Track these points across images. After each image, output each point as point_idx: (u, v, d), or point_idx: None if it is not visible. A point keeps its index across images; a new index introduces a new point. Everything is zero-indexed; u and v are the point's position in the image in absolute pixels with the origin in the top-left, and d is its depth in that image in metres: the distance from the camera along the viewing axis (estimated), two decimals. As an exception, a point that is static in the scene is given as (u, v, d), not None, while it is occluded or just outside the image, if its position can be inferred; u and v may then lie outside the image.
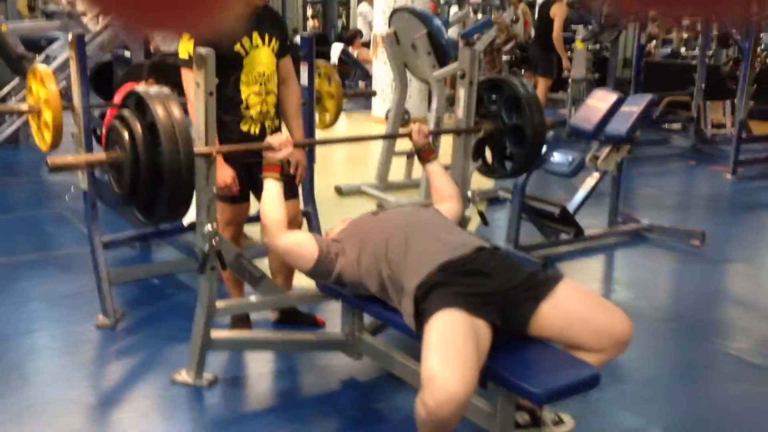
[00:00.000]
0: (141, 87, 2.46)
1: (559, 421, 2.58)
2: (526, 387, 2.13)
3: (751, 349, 3.38)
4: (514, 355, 2.26)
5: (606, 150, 4.56)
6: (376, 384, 2.97)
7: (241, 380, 2.99)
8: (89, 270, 3.89)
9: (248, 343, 2.96)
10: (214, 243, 2.61)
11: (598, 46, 9.84)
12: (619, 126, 4.46)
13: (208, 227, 2.59)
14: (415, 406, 2.04)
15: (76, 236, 4.67)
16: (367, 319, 2.99)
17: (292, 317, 3.33)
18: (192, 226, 3.82)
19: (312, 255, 2.58)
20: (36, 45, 7.34)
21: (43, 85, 3.24)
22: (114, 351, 3.23)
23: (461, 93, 3.20)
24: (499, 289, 2.28)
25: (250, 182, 3.08)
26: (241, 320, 3.24)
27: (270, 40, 3.04)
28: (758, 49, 7.00)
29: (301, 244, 2.63)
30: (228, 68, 2.88)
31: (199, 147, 2.49)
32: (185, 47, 2.87)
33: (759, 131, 7.42)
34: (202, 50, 2.52)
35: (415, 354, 2.92)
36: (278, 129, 3.14)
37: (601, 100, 4.58)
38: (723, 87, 8.03)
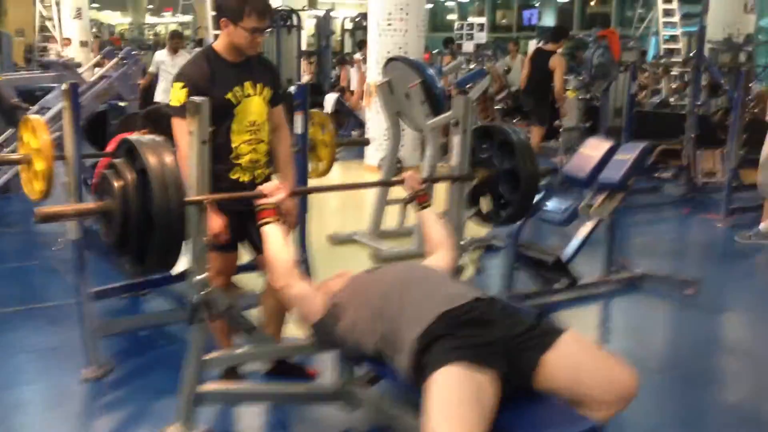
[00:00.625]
0: (133, 135, 2.44)
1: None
2: (525, 443, 2.08)
3: (749, 399, 3.33)
4: (513, 409, 2.19)
5: (600, 198, 4.55)
6: (371, 438, 2.89)
7: (232, 434, 2.91)
8: (77, 322, 3.84)
9: (239, 396, 2.88)
10: (204, 293, 2.56)
11: (588, 95, 9.96)
12: (613, 174, 4.46)
13: (199, 277, 2.55)
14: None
15: (64, 287, 4.56)
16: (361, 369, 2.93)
17: (283, 368, 3.26)
18: (182, 276, 3.79)
19: (320, 308, 2.54)
20: (31, 96, 7.37)
21: (35, 135, 3.22)
22: (101, 405, 3.15)
23: (455, 141, 3.20)
24: (502, 338, 2.23)
25: (240, 231, 3.04)
26: (232, 372, 3.17)
27: (262, 90, 3.03)
28: (747, 99, 7.06)
29: (312, 294, 2.59)
30: (219, 117, 2.85)
31: (191, 195, 2.46)
32: (177, 95, 2.86)
33: (750, 179, 7.42)
34: (197, 99, 2.51)
35: (413, 405, 2.86)
36: (269, 177, 3.12)
37: (594, 149, 4.59)
38: (713, 136, 8.08)
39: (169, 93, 2.99)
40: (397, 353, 2.36)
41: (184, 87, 2.85)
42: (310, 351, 2.98)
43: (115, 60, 6.36)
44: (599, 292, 4.73)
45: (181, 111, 2.75)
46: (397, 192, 5.80)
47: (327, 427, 2.95)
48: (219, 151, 2.88)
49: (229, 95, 2.92)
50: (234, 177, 2.99)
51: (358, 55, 12.54)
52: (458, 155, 3.20)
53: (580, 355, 2.26)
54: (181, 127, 2.77)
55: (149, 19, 34.78)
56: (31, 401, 3.12)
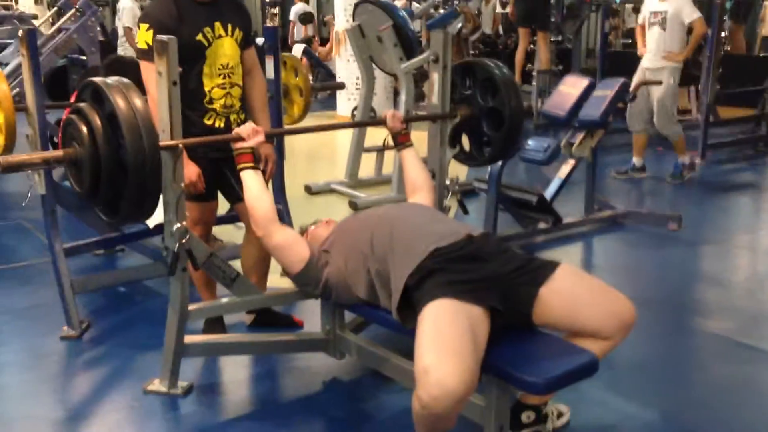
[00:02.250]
0: (97, 78, 2.30)
1: (560, 414, 2.49)
2: (523, 377, 2.02)
3: (736, 329, 3.33)
4: (508, 345, 2.14)
5: (580, 136, 4.49)
6: (360, 383, 2.84)
7: (218, 387, 2.84)
8: (51, 281, 3.69)
9: (224, 347, 2.81)
10: (184, 242, 2.46)
11: (560, 38, 9.85)
12: (593, 111, 4.39)
13: (177, 225, 2.44)
14: (411, 401, 1.93)
15: (36, 246, 4.46)
16: (348, 317, 2.87)
17: (268, 318, 3.19)
18: (158, 228, 3.67)
19: (304, 256, 2.47)
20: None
21: (-6, 85, 3.06)
22: (81, 363, 3.05)
23: (435, 78, 3.09)
24: (497, 274, 2.17)
25: (217, 179, 2.93)
26: (215, 324, 3.09)
27: (233, 30, 2.89)
28: (722, 34, 7.00)
29: (295, 243, 2.52)
30: (189, 60, 2.73)
31: (164, 140, 2.34)
32: (143, 37, 2.72)
33: (724, 116, 7.44)
34: (164, 37, 2.37)
35: (401, 350, 2.81)
36: (244, 123, 2.98)
37: (572, 86, 4.51)
38: (686, 73, 8.03)
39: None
40: (388, 291, 2.29)
41: (149, 28, 2.71)
42: (295, 299, 2.90)
43: (71, 11, 6.08)
44: (583, 231, 4.71)
45: (148, 54, 2.62)
46: (373, 139, 5.71)
47: (315, 375, 2.89)
48: (191, 97, 2.76)
49: (200, 36, 2.78)
50: (208, 123, 2.87)
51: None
52: (438, 93, 3.10)
53: (577, 287, 2.21)
54: (149, 71, 2.63)
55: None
56: (8, 362, 3.01)
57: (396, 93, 9.53)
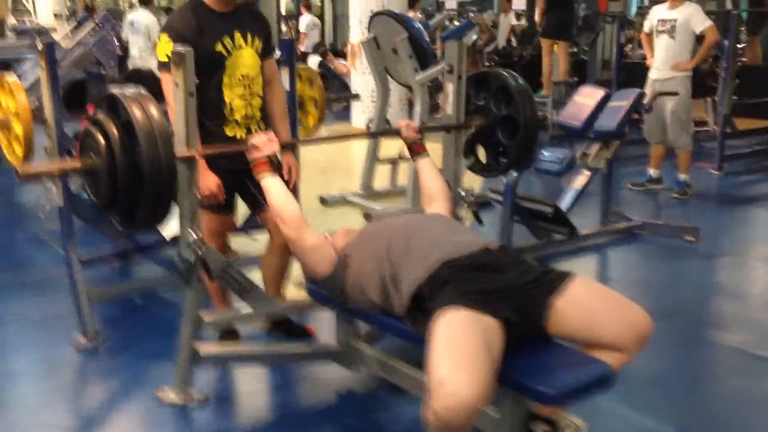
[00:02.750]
0: (115, 89, 2.32)
1: (576, 428, 2.46)
2: (537, 388, 2.00)
3: (753, 341, 3.29)
4: (523, 355, 2.12)
5: (596, 147, 4.47)
6: (374, 395, 2.83)
7: (231, 397, 2.84)
8: (66, 292, 3.73)
9: (238, 357, 2.81)
10: (199, 252, 2.46)
11: (575, 49, 9.85)
12: (609, 122, 4.38)
13: (193, 236, 2.45)
14: (422, 412, 1.91)
15: (52, 257, 4.48)
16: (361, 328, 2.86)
17: (284, 327, 3.18)
18: (175, 240, 3.69)
19: (332, 259, 2.46)
20: (6, 69, 7.15)
21: (13, 97, 3.09)
22: (95, 373, 3.07)
23: (449, 88, 3.10)
24: (512, 285, 2.15)
25: (235, 190, 2.94)
26: (230, 334, 3.09)
27: (253, 40, 2.89)
28: (737, 46, 6.96)
29: (324, 245, 2.51)
30: (209, 70, 2.74)
31: (181, 150, 2.35)
32: (163, 49, 2.73)
33: (743, 126, 7.39)
34: (180, 48, 2.39)
35: (415, 362, 2.80)
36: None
37: (588, 97, 4.50)
38: (703, 84, 7.99)
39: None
40: (400, 299, 2.28)
41: (170, 40, 2.70)
42: (311, 309, 2.90)
43: (91, 26, 6.14)
44: (599, 243, 4.68)
45: (168, 65, 2.62)
46: (388, 151, 5.72)
47: (329, 386, 2.89)
48: (211, 107, 2.77)
49: (219, 47, 2.78)
50: (229, 134, 2.86)
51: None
52: (453, 103, 3.10)
53: (592, 299, 2.19)
54: (168, 82, 2.65)
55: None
56: (24, 372, 3.02)
57: (410, 105, 9.55)
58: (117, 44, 6.86)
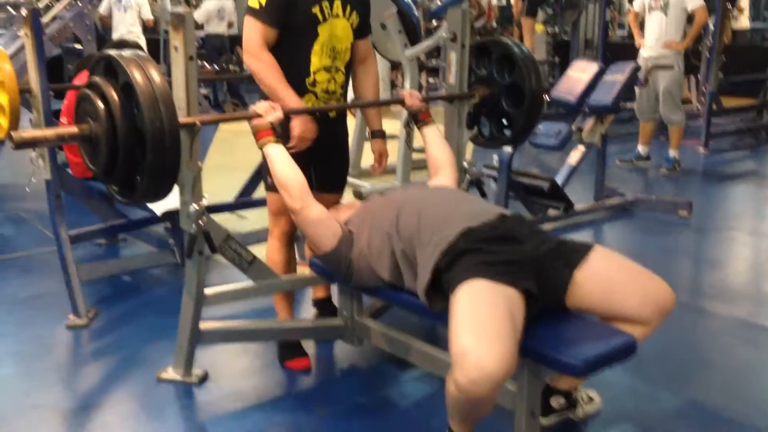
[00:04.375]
0: (112, 51, 2.20)
1: (590, 400, 2.42)
2: (561, 359, 1.95)
3: (756, 313, 3.28)
4: (543, 327, 2.06)
5: (590, 121, 4.43)
6: (379, 370, 2.76)
7: (233, 374, 2.74)
8: (52, 271, 3.62)
9: (240, 333, 2.71)
10: (201, 224, 2.36)
11: (557, 29, 9.79)
12: (604, 96, 4.34)
13: (194, 206, 2.35)
14: (445, 384, 1.85)
15: (35, 236, 4.36)
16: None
17: (329, 311, 3.05)
18: (167, 216, 3.59)
19: (337, 231, 2.38)
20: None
21: (-4, 66, 2.95)
22: (90, 352, 2.96)
23: (452, 57, 3.02)
24: (531, 256, 2.08)
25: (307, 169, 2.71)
26: (294, 348, 2.82)
27: (350, 13, 2.68)
28: (726, 21, 6.96)
29: (328, 217, 2.42)
30: (301, 32, 2.58)
31: (181, 118, 2.24)
32: None
33: (729, 103, 7.41)
34: (179, 10, 2.28)
35: (421, 335, 2.74)
36: (341, 115, 2.81)
37: (582, 71, 4.45)
38: (687, 63, 8.01)
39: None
40: (414, 272, 2.21)
41: None
42: (314, 283, 2.81)
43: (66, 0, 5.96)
44: (593, 219, 4.65)
45: (257, 12, 2.51)
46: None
47: (333, 362, 2.82)
48: (294, 73, 2.60)
49: (316, 9, 2.58)
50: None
51: None
52: (456, 72, 3.03)
53: (612, 271, 2.13)
54: (249, 28, 2.54)
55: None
56: (14, 352, 2.90)
57: (393, 85, 9.45)
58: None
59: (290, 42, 2.57)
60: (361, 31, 2.76)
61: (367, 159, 5.73)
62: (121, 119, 2.07)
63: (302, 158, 2.71)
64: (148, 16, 8.77)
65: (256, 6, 2.52)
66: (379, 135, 2.90)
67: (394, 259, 2.27)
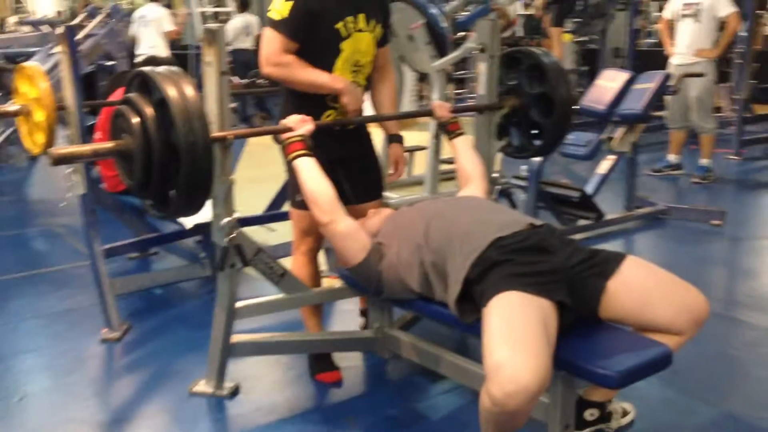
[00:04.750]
0: (146, 67, 2.24)
1: (624, 412, 2.38)
2: (596, 370, 1.92)
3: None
4: (576, 338, 2.04)
5: (621, 131, 4.39)
6: (411, 382, 2.75)
7: (265, 387, 2.75)
8: (85, 285, 3.67)
9: (272, 346, 2.72)
10: (233, 237, 2.38)
11: (586, 37, 9.74)
12: (634, 104, 4.30)
13: (226, 220, 2.37)
14: (479, 398, 1.83)
15: (68, 251, 4.43)
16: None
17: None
18: (197, 229, 3.62)
19: (366, 244, 2.37)
20: (14, 63, 7.08)
21: (33, 84, 3.01)
22: (123, 365, 2.99)
23: (481, 68, 3.01)
24: (563, 266, 2.07)
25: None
26: (324, 361, 2.82)
27: (375, 26, 2.63)
28: (758, 28, 6.88)
29: (358, 230, 2.40)
30: (323, 48, 2.54)
31: (213, 132, 2.26)
32: (280, 7, 2.48)
33: (761, 110, 7.32)
34: (212, 26, 2.30)
35: (452, 347, 2.73)
36: (360, 127, 2.76)
37: (611, 80, 4.42)
38: (718, 71, 7.92)
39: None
40: (444, 283, 2.20)
41: (292, 2, 2.47)
42: (346, 296, 2.82)
43: (100, 17, 6.07)
44: (625, 228, 4.60)
45: (277, 24, 2.48)
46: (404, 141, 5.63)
47: (364, 374, 2.82)
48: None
49: (339, 24, 2.52)
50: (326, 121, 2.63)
51: None
52: (485, 83, 3.02)
53: (646, 280, 2.10)
54: (268, 39, 2.51)
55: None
56: (49, 366, 2.95)
57: (420, 96, 9.46)
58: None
59: (312, 57, 2.52)
60: (383, 40, 2.73)
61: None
62: (156, 134, 2.10)
63: (333, 175, 2.72)
64: (169, 27, 8.74)
65: (277, 18, 2.48)
66: (396, 140, 2.86)
67: (423, 270, 2.27)
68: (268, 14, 2.53)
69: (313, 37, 2.48)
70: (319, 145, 2.50)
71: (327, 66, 2.56)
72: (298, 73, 2.53)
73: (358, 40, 2.58)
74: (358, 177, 2.76)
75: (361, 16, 2.57)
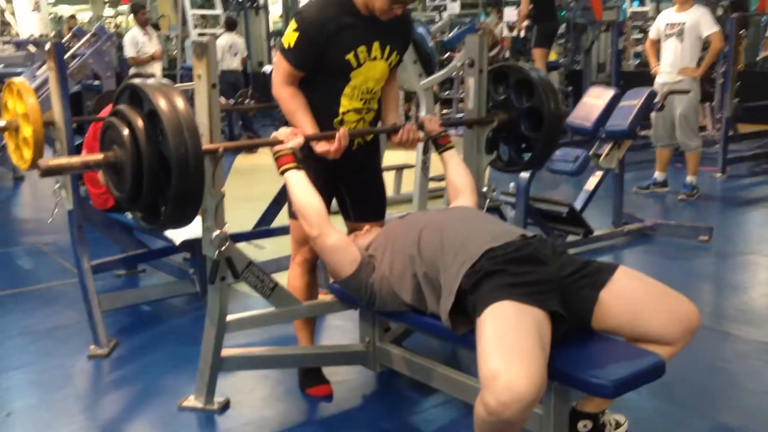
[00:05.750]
0: (135, 79, 2.24)
1: (617, 424, 2.37)
2: (590, 380, 1.93)
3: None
4: (569, 348, 2.04)
5: (607, 147, 4.43)
6: (402, 396, 2.74)
7: (254, 402, 2.73)
8: (72, 302, 3.65)
9: (262, 360, 2.70)
10: (223, 250, 2.37)
11: (572, 57, 9.85)
12: (621, 121, 4.34)
13: (217, 233, 2.35)
14: (474, 408, 1.82)
15: (55, 269, 4.40)
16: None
17: None
18: (186, 245, 3.60)
19: (356, 257, 2.37)
20: (1, 81, 7.06)
21: (21, 99, 2.99)
22: (111, 381, 2.95)
23: (470, 83, 3.03)
24: (556, 277, 2.07)
25: (331, 195, 2.72)
26: (315, 375, 2.80)
27: (390, 54, 2.60)
28: (739, 48, 6.97)
29: (348, 243, 2.41)
30: (331, 76, 2.54)
31: (204, 144, 2.26)
32: (288, 36, 2.48)
33: (744, 129, 7.41)
34: (203, 39, 2.31)
35: (443, 360, 2.72)
36: (367, 146, 2.75)
37: (597, 97, 4.45)
38: (702, 90, 8.02)
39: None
40: (437, 295, 2.20)
41: (296, 30, 2.46)
42: (335, 309, 2.80)
43: (87, 37, 6.07)
44: (613, 244, 4.62)
45: (285, 52, 2.49)
46: (392, 158, 5.64)
47: (355, 388, 2.79)
48: (322, 112, 2.56)
49: (350, 56, 2.50)
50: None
51: None
52: (474, 98, 3.04)
53: (638, 291, 2.11)
54: (277, 66, 2.54)
55: (107, 11, 33.97)
56: (36, 382, 2.90)
57: (407, 117, 9.49)
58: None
59: (320, 83, 2.53)
60: (398, 65, 2.71)
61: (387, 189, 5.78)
62: (146, 146, 2.09)
63: (337, 190, 2.73)
64: (153, 49, 8.64)
65: (286, 45, 2.49)
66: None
67: (416, 282, 2.26)
68: (282, 38, 2.54)
69: (321, 66, 2.48)
70: (323, 156, 2.50)
71: (335, 93, 2.57)
72: (287, 104, 2.55)
73: (371, 68, 2.57)
74: (360, 193, 2.77)
75: (376, 45, 2.54)
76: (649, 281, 2.17)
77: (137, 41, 8.29)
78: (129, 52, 8.32)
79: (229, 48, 10.00)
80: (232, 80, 9.91)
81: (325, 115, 2.56)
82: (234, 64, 10.02)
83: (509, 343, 1.82)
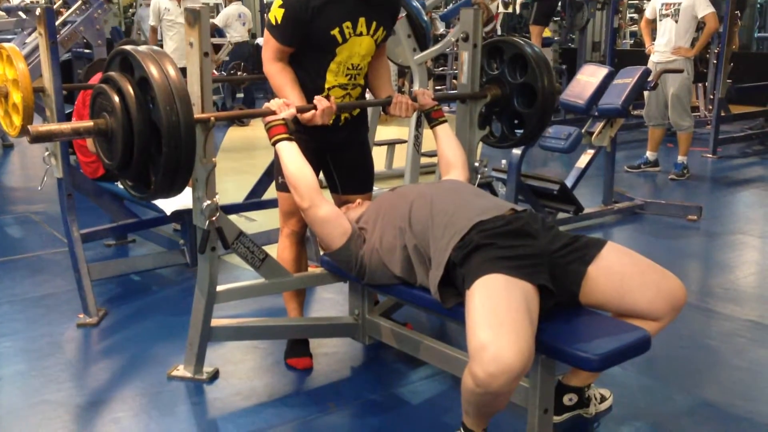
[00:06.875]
0: (127, 46, 2.21)
1: (602, 398, 2.41)
2: (576, 353, 1.94)
3: (761, 316, 3.26)
4: (557, 322, 2.06)
5: (599, 125, 4.43)
6: (391, 368, 2.76)
7: (243, 372, 2.74)
8: (62, 271, 3.65)
9: (251, 331, 2.71)
10: (214, 220, 2.36)
11: (567, 35, 9.81)
12: (614, 99, 4.34)
13: (207, 203, 2.35)
14: (462, 379, 1.84)
15: (45, 238, 4.39)
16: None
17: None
18: (177, 216, 3.59)
19: (347, 229, 2.37)
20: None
21: (11, 65, 2.96)
22: (100, 350, 2.96)
23: (464, 57, 3.02)
24: (546, 251, 2.08)
25: (319, 168, 2.71)
26: (300, 345, 2.81)
27: (377, 30, 2.59)
28: (734, 29, 6.95)
29: (338, 215, 2.41)
30: (317, 53, 2.54)
31: (196, 113, 2.24)
32: (273, 13, 2.49)
33: (737, 110, 7.42)
34: (195, 6, 2.29)
35: (432, 333, 2.74)
36: (355, 120, 2.75)
37: (591, 75, 4.44)
38: (695, 71, 8.02)
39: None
40: (426, 268, 2.21)
41: (282, 6, 2.46)
42: (326, 281, 2.80)
43: (78, 4, 5.98)
44: (603, 222, 4.64)
45: (272, 28, 2.50)
46: (384, 134, 5.64)
47: (344, 360, 2.81)
48: (308, 89, 2.56)
49: (335, 31, 2.49)
50: None
51: None
52: (468, 72, 3.03)
53: (626, 266, 2.13)
54: (266, 43, 2.54)
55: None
56: (25, 349, 2.91)
57: (400, 91, 9.46)
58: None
59: (306, 58, 2.55)
60: (385, 39, 2.70)
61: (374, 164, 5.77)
62: (137, 113, 2.07)
63: (322, 161, 2.72)
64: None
65: (273, 22, 2.50)
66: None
67: (406, 254, 2.27)
68: (268, 15, 2.54)
69: (307, 42, 2.48)
70: (310, 130, 2.51)
71: (320, 68, 2.58)
72: (275, 78, 2.56)
73: (356, 44, 2.57)
74: (348, 167, 2.78)
75: (362, 20, 2.54)
76: (637, 257, 2.18)
77: (164, 8, 7.37)
78: (151, 21, 7.85)
79: (239, 17, 9.85)
80: (245, 52, 9.78)
81: (311, 91, 2.56)
82: (243, 32, 9.92)
83: (498, 316, 1.83)
